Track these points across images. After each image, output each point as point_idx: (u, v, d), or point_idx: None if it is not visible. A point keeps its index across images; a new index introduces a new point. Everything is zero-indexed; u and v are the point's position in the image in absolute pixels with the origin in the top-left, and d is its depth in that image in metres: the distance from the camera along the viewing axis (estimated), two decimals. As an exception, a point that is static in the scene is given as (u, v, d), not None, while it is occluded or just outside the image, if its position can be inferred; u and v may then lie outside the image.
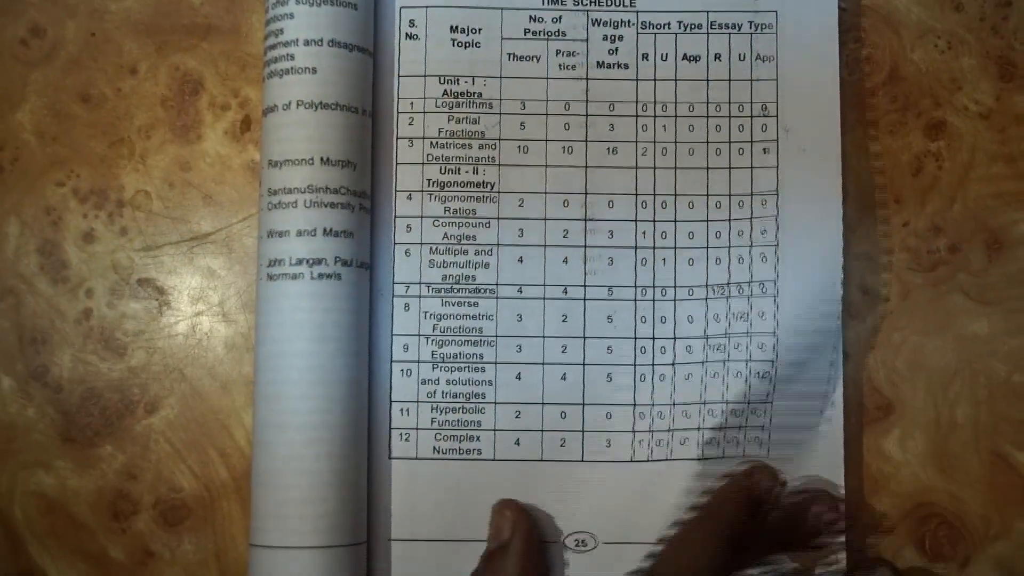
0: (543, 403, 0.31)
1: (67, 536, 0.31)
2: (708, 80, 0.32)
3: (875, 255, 0.32)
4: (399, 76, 0.31)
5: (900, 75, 0.32)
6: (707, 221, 0.31)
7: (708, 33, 0.32)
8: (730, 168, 0.31)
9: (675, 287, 0.31)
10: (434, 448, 0.30)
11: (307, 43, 0.29)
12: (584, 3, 0.32)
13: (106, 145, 0.33)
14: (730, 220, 0.31)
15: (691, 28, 0.32)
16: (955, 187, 0.32)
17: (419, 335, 0.31)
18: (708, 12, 0.32)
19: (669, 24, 0.32)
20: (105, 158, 0.32)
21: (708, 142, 0.31)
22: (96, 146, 0.33)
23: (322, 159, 0.29)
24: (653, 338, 0.31)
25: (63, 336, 0.32)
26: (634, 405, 0.31)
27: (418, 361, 0.31)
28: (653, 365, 0.31)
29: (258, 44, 0.32)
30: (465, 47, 0.31)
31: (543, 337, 0.31)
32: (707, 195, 0.31)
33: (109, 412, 0.32)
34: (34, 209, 0.32)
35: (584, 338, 0.31)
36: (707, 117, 0.31)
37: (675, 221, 0.31)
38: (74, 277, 0.32)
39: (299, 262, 0.28)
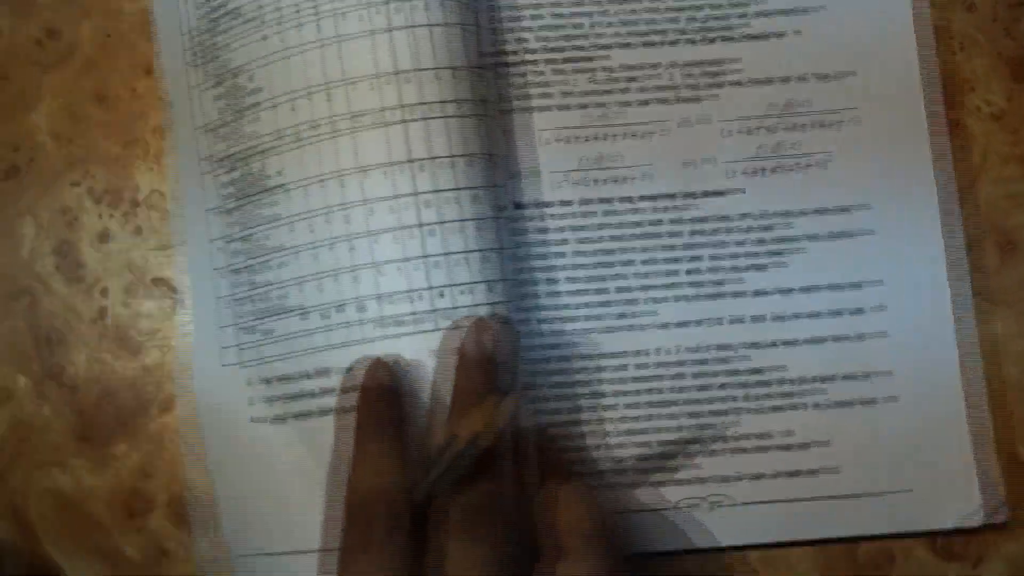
0: None
1: (82, 534, 0.32)
2: None
3: (887, 255, 0.32)
4: None
5: (912, 76, 0.32)
6: None
7: None
8: None
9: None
10: None
11: None
12: None
13: (121, 145, 0.33)
14: None
15: None
16: (967, 188, 0.32)
17: None
18: None
19: None
20: (120, 158, 0.33)
21: None
22: (111, 146, 0.33)
23: None
24: None
25: (78, 335, 0.32)
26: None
27: None
28: None
29: (272, 45, 0.32)
30: None
31: None
32: None
33: (124, 411, 0.32)
34: (49, 209, 0.33)
35: None
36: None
37: None
38: (89, 276, 0.32)
39: None
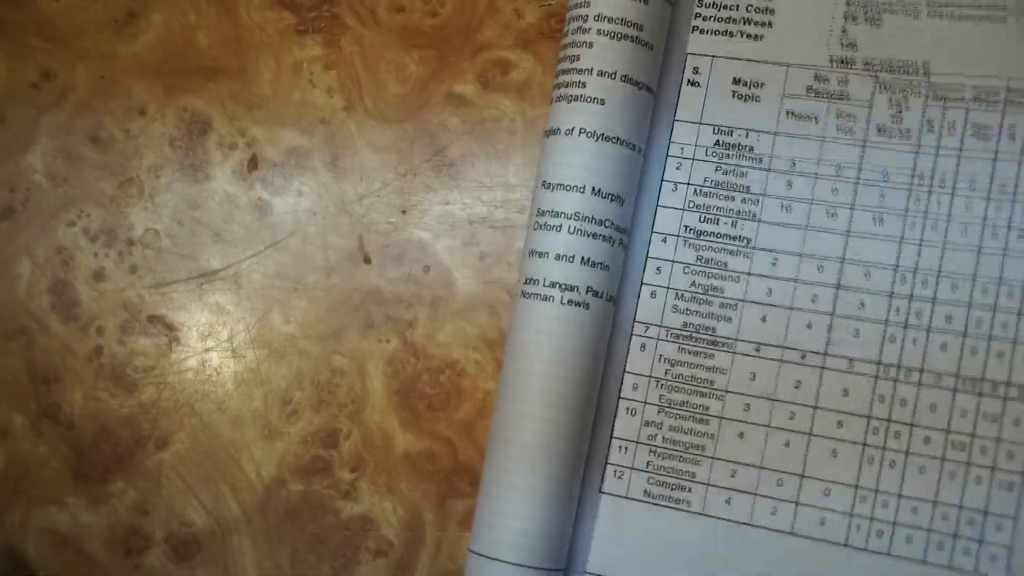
0: (761, 466, 0.30)
1: (80, 573, 0.32)
2: (996, 158, 0.29)
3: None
4: (674, 120, 0.31)
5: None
6: (969, 306, 0.29)
7: (1004, 103, 0.29)
8: (1004, 254, 0.29)
9: (921, 371, 0.29)
10: (645, 491, 0.30)
11: (601, 74, 0.29)
12: (873, 66, 0.30)
13: (116, 185, 0.33)
14: (995, 310, 0.29)
15: (986, 100, 0.29)
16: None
17: (650, 377, 0.30)
18: (1008, 80, 0.29)
19: (962, 94, 0.30)
20: (115, 198, 0.33)
21: (984, 222, 0.29)
22: (106, 186, 0.33)
23: (593, 189, 0.29)
24: (888, 420, 0.29)
25: (74, 373, 0.33)
26: (856, 487, 0.29)
27: (645, 402, 0.30)
28: (884, 448, 0.29)
29: (264, 85, 0.33)
30: (744, 100, 0.31)
31: (772, 399, 0.30)
32: (974, 278, 0.29)
33: (120, 448, 0.32)
34: (45, 249, 0.33)
35: (815, 407, 0.30)
36: (988, 198, 0.29)
37: (934, 301, 0.29)
38: (85, 315, 0.33)
39: (552, 285, 0.29)
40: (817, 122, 0.31)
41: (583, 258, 0.29)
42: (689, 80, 0.31)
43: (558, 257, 0.29)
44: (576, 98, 0.29)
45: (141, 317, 0.33)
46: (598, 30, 0.29)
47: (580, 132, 0.29)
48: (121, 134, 0.33)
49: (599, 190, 0.29)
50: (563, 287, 0.29)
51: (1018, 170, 0.29)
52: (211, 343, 0.33)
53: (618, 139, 0.29)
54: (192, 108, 0.33)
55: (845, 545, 0.29)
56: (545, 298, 0.29)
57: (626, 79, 0.29)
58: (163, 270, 0.33)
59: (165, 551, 0.32)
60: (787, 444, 0.29)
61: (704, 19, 0.32)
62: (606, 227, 0.29)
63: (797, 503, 0.29)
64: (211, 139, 0.33)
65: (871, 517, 0.29)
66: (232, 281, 0.33)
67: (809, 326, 0.30)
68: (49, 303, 0.33)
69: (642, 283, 0.31)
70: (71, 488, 0.32)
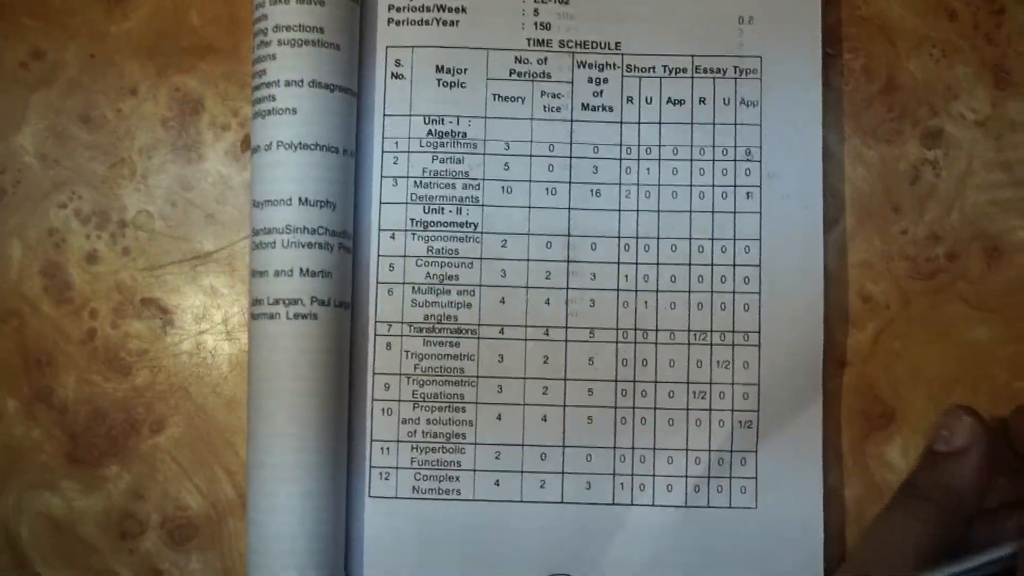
0: (523, 444, 0.31)
1: (75, 557, 0.32)
2: (692, 124, 0.32)
3: (875, 263, 0.32)
4: (384, 115, 0.32)
5: (896, 84, 0.33)
6: (689, 265, 0.31)
7: (692, 77, 0.32)
8: (713, 212, 0.31)
9: (656, 330, 0.31)
10: (413, 487, 0.31)
11: (288, 84, 0.29)
12: (570, 45, 0.32)
13: (107, 166, 0.33)
14: (712, 265, 0.31)
15: (676, 72, 0.32)
16: (953, 195, 0.32)
17: (400, 374, 0.31)
18: (693, 56, 0.32)
19: (654, 68, 0.32)
20: (107, 179, 0.33)
21: (691, 185, 0.31)
22: (97, 167, 0.33)
23: (300, 199, 0.29)
24: (634, 381, 0.31)
25: (68, 357, 0.32)
26: (614, 448, 0.31)
27: (399, 400, 0.31)
28: (634, 408, 0.31)
29: (257, 63, 0.33)
30: (450, 87, 0.31)
31: (524, 378, 0.31)
32: (689, 239, 0.31)
33: (115, 432, 0.32)
34: (37, 231, 0.32)
35: (565, 380, 0.31)
36: (691, 160, 0.31)
37: (657, 264, 0.31)
38: (78, 298, 0.32)
39: (276, 302, 0.29)
40: (523, 102, 0.31)
41: (302, 269, 0.29)
42: (392, 73, 0.32)
43: (277, 273, 0.29)
44: (269, 112, 0.29)
45: (134, 300, 0.32)
46: (278, 40, 0.29)
47: (278, 145, 0.29)
48: (113, 114, 0.33)
49: (306, 199, 0.29)
50: (287, 302, 0.29)
51: (712, 133, 0.31)
52: (205, 326, 0.32)
53: (317, 145, 0.29)
54: (184, 88, 0.33)
55: (613, 504, 0.30)
56: (272, 316, 0.29)
57: (315, 84, 0.29)
58: (156, 252, 0.32)
59: (160, 535, 0.32)
60: (544, 419, 0.31)
61: (396, 10, 0.32)
62: (320, 235, 0.29)
63: (563, 473, 0.30)
64: (204, 119, 0.33)
65: (632, 474, 0.30)
66: (226, 263, 0.32)
67: (547, 302, 0.31)
68: (41, 286, 0.32)
69: (377, 282, 0.31)
70: (65, 472, 0.32)
